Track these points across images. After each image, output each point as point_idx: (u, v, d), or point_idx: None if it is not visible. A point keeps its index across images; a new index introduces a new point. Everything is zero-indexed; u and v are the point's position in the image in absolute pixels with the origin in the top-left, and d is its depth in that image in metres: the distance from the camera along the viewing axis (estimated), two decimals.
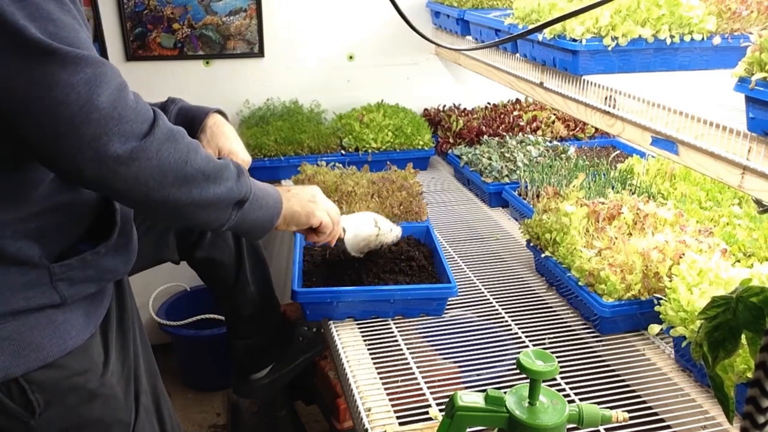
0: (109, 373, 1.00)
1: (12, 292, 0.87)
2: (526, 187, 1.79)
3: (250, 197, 0.98)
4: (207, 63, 2.16)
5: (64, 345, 0.92)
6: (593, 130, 2.30)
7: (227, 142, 1.24)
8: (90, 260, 0.94)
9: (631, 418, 0.92)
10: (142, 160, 0.82)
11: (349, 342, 1.28)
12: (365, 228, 1.38)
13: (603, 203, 1.47)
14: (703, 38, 1.28)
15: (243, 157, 1.24)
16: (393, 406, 1.09)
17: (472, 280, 1.51)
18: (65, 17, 0.77)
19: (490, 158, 1.98)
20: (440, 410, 1.07)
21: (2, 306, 0.87)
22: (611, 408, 0.87)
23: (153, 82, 2.12)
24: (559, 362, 0.81)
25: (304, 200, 1.14)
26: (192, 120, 1.24)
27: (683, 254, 1.25)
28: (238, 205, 0.97)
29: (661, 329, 1.19)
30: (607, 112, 1.23)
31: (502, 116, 2.32)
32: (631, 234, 1.38)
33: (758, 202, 1.56)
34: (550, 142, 2.15)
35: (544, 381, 0.81)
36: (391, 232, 1.42)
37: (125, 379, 1.05)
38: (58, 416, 0.94)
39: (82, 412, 0.97)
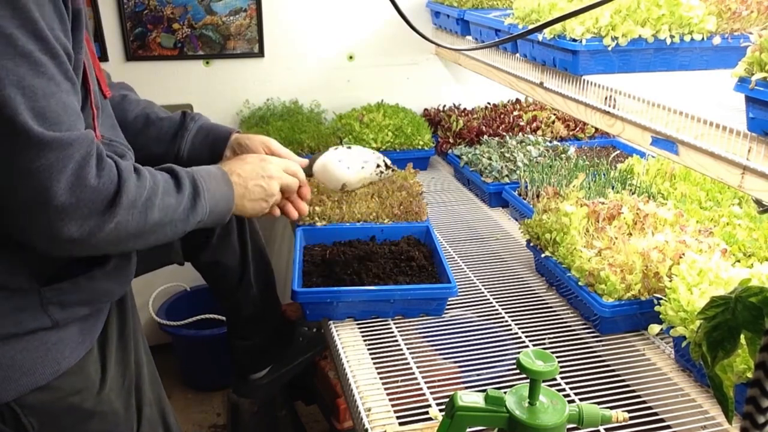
0: (106, 389, 0.98)
1: (5, 319, 0.85)
2: (526, 187, 1.79)
3: (206, 215, 1.00)
4: (207, 63, 2.16)
5: (57, 366, 0.90)
6: (593, 130, 2.30)
7: (268, 142, 1.26)
8: (83, 284, 0.93)
9: (631, 418, 0.92)
10: (99, 236, 0.82)
11: (349, 342, 1.28)
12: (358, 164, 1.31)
13: (603, 203, 1.47)
14: (703, 38, 1.28)
15: (298, 159, 1.26)
16: (393, 406, 1.09)
17: (472, 280, 1.51)
18: (39, 81, 0.74)
19: (490, 158, 1.98)
20: (440, 410, 1.07)
21: None
22: (611, 408, 0.87)
23: (153, 82, 2.12)
24: (559, 362, 0.80)
25: (255, 198, 1.12)
26: (214, 141, 1.26)
27: (683, 254, 1.25)
28: (195, 223, 0.99)
29: (661, 329, 1.19)
30: (607, 112, 1.23)
31: (502, 116, 2.32)
32: (631, 234, 1.38)
33: (758, 202, 1.56)
34: (550, 142, 2.15)
35: (544, 381, 0.81)
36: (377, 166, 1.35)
37: (126, 392, 1.04)
38: None
39: (78, 430, 0.95)
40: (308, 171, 1.28)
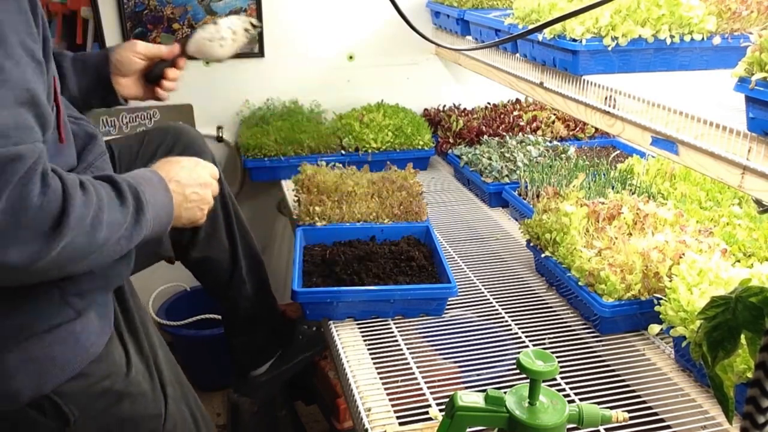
0: (132, 372, 1.02)
1: (31, 317, 0.88)
2: (526, 187, 1.79)
3: (149, 233, 0.94)
4: (207, 63, 2.16)
5: (86, 354, 0.94)
6: (593, 130, 2.30)
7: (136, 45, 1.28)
8: (96, 271, 0.94)
9: (631, 418, 0.92)
10: (44, 261, 0.76)
11: (349, 342, 1.28)
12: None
13: (603, 203, 1.47)
14: (703, 38, 1.28)
15: (163, 51, 1.29)
16: (393, 406, 1.09)
17: (472, 280, 1.51)
18: None
19: (490, 158, 1.98)
20: (440, 410, 1.07)
21: (23, 331, 0.88)
22: (611, 408, 0.87)
23: None
24: (559, 362, 0.80)
25: (192, 207, 1.06)
26: (95, 66, 1.25)
27: (683, 254, 1.25)
28: (135, 241, 0.93)
29: (661, 329, 1.19)
30: (607, 112, 1.23)
31: (502, 116, 2.32)
32: (631, 234, 1.38)
33: (758, 202, 1.56)
34: (550, 142, 2.15)
35: (544, 381, 0.81)
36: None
37: (149, 374, 1.07)
38: (91, 421, 0.97)
39: (113, 413, 0.99)
40: (183, 52, 1.33)
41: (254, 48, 2.17)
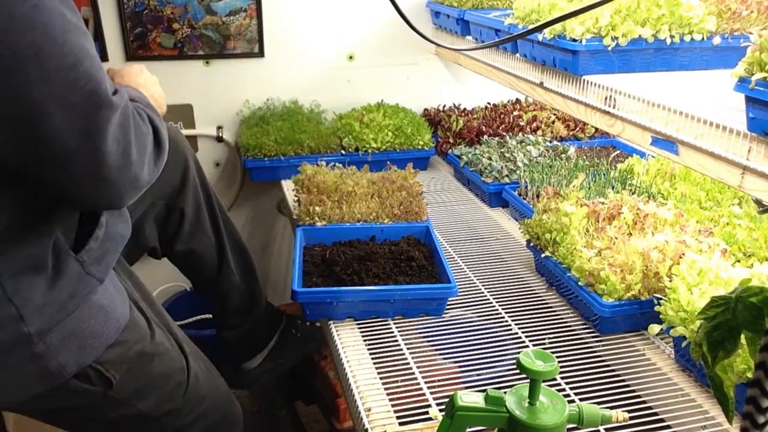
0: (156, 334, 1.14)
1: (59, 296, 0.95)
2: (526, 187, 1.79)
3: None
4: (207, 63, 2.16)
5: (117, 324, 1.04)
6: (593, 130, 2.30)
7: None
8: (100, 235, 1.02)
9: (631, 418, 0.92)
10: (158, 171, 0.96)
11: (349, 342, 1.28)
12: None
13: (603, 203, 1.47)
14: (703, 38, 1.28)
15: None
16: (393, 406, 1.09)
17: (472, 280, 1.51)
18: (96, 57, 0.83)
19: (490, 158, 1.98)
20: (440, 410, 1.07)
21: (58, 313, 0.95)
22: (611, 408, 0.87)
23: None
24: (559, 362, 0.81)
25: (159, 105, 1.20)
26: None
27: (683, 254, 1.25)
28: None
29: (661, 329, 1.19)
30: (607, 112, 1.23)
31: (502, 116, 2.32)
32: (631, 234, 1.38)
33: (758, 202, 1.56)
34: (550, 142, 2.14)
35: (544, 381, 0.81)
36: None
37: (166, 336, 1.19)
38: (130, 381, 1.08)
39: (147, 371, 1.11)
40: None
41: (254, 48, 2.17)
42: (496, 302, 1.41)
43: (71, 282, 0.96)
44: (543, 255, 1.44)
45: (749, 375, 0.95)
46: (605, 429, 1.02)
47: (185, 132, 2.20)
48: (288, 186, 1.99)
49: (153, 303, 1.23)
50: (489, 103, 2.46)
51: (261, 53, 2.19)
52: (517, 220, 1.79)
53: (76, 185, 0.84)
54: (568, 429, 0.84)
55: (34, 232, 0.92)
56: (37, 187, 0.91)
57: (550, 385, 1.08)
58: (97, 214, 1.03)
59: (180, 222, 1.46)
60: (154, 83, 1.21)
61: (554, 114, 2.32)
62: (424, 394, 1.12)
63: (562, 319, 1.36)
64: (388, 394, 1.12)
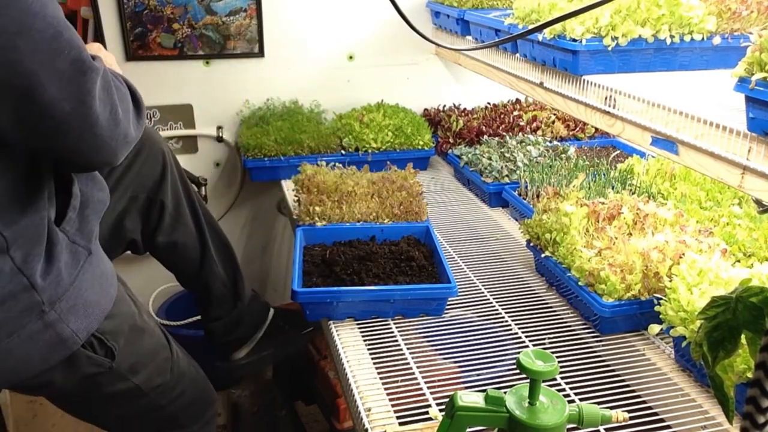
0: (143, 313, 1.22)
1: (60, 265, 0.99)
2: (526, 187, 1.79)
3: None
4: (207, 63, 2.16)
5: (111, 294, 1.10)
6: (593, 130, 2.30)
7: None
8: (78, 205, 1.05)
9: (631, 418, 0.92)
10: (143, 126, 1.03)
11: (349, 342, 1.28)
12: None
13: (603, 203, 1.47)
14: (703, 38, 1.28)
15: None
16: (393, 406, 1.09)
17: (472, 280, 1.51)
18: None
19: (490, 158, 1.98)
20: (440, 410, 1.07)
21: (64, 282, 1.00)
22: (611, 408, 0.87)
23: (153, 82, 2.12)
24: (559, 362, 0.81)
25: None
26: None
27: (683, 254, 1.25)
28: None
29: (661, 329, 1.19)
30: (607, 112, 1.23)
31: (502, 116, 2.32)
32: (631, 234, 1.38)
33: (758, 202, 1.56)
34: (550, 142, 2.14)
35: (544, 381, 0.81)
36: None
37: (148, 315, 1.26)
38: (127, 354, 1.14)
39: (139, 345, 1.18)
40: None
41: (254, 48, 2.17)
42: (496, 302, 1.41)
43: (63, 252, 1.00)
44: (543, 255, 1.44)
45: (749, 375, 0.95)
46: (605, 429, 1.02)
47: (185, 132, 2.21)
48: (288, 186, 1.99)
49: (129, 289, 1.28)
50: (489, 103, 2.46)
51: (261, 53, 2.18)
52: (517, 220, 1.79)
53: (76, 147, 0.91)
54: (568, 429, 0.84)
55: (32, 204, 0.95)
56: (35, 157, 0.95)
57: (550, 385, 1.08)
58: (70, 184, 1.05)
59: (161, 214, 1.49)
60: (111, 60, 1.26)
61: (554, 114, 2.32)
62: (424, 394, 1.12)
63: (562, 319, 1.36)
64: (388, 394, 1.12)
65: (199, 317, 2.26)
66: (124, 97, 0.97)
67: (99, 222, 1.12)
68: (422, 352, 1.25)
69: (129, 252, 1.53)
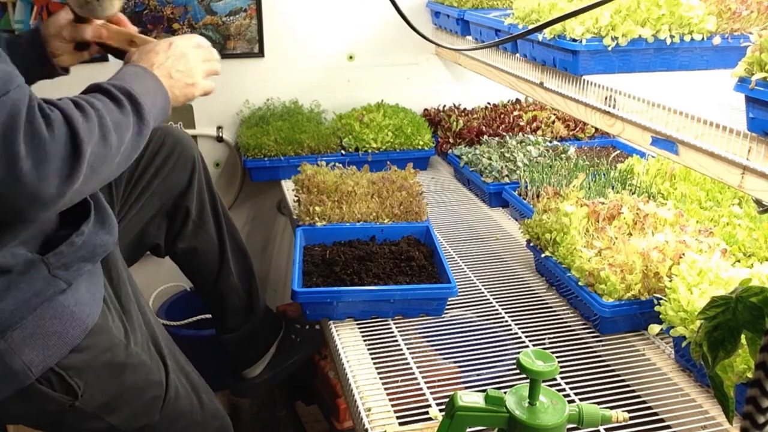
0: (132, 344, 1.08)
1: (22, 294, 0.92)
2: (526, 187, 1.79)
3: (151, 122, 0.99)
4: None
5: (83, 325, 0.98)
6: (593, 130, 2.30)
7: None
8: (77, 242, 0.97)
9: (631, 418, 0.92)
10: (77, 179, 0.84)
11: (349, 342, 1.28)
12: None
13: (603, 203, 1.47)
14: (703, 38, 1.28)
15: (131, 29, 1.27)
16: (393, 406, 1.09)
17: (472, 280, 1.51)
18: None
19: (490, 158, 1.98)
20: (440, 410, 1.07)
21: (19, 309, 0.91)
22: (611, 408, 0.87)
23: None
24: (559, 362, 0.81)
25: (182, 85, 1.11)
26: (28, 43, 1.24)
27: (683, 254, 1.25)
28: (146, 129, 0.99)
29: (661, 329, 1.19)
30: (607, 112, 1.23)
31: (502, 116, 2.32)
32: (631, 234, 1.38)
33: (758, 202, 1.56)
34: (550, 142, 2.14)
35: (544, 381, 0.81)
36: None
37: (147, 347, 1.14)
38: (98, 392, 1.02)
39: (117, 383, 1.05)
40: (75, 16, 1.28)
41: (254, 48, 2.17)
42: (496, 302, 1.41)
43: (35, 281, 0.93)
44: (543, 255, 1.44)
45: (749, 375, 0.95)
46: (605, 429, 1.02)
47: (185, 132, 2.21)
48: (288, 186, 1.99)
49: (143, 308, 1.20)
50: (489, 103, 2.46)
51: (261, 53, 2.19)
52: (517, 220, 1.79)
53: None
54: (568, 429, 0.84)
55: (7, 228, 0.90)
56: None
57: (550, 385, 1.08)
58: (79, 221, 1.00)
59: (184, 220, 1.47)
60: (180, 59, 1.12)
61: (554, 114, 2.32)
62: (424, 394, 1.12)
63: (562, 319, 1.36)
64: (388, 394, 1.12)
65: (199, 317, 2.28)
66: (43, 143, 0.81)
67: (95, 270, 1.04)
68: (422, 352, 1.25)
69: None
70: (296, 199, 1.70)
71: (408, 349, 1.25)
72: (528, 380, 0.82)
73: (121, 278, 1.15)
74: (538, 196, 1.69)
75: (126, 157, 0.95)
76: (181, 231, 1.48)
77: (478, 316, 1.37)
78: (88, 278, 1.02)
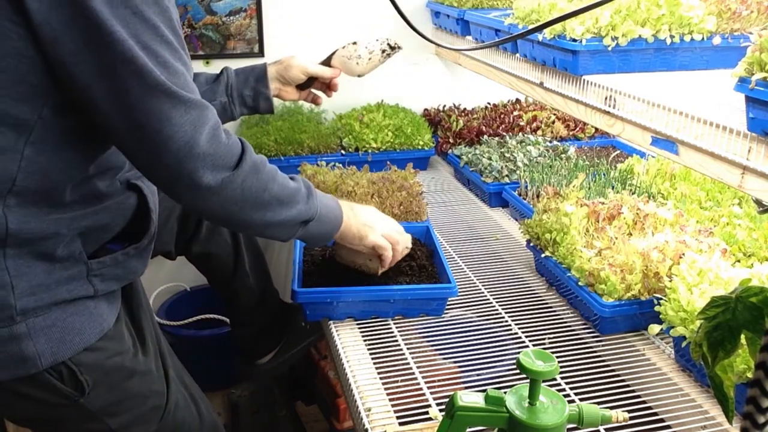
0: (140, 353, 1.12)
1: (57, 285, 0.95)
2: (526, 187, 1.79)
3: (316, 216, 1.09)
4: (207, 63, 2.16)
5: (100, 328, 1.02)
6: (593, 130, 2.30)
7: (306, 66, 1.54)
8: (120, 260, 1.04)
9: (631, 418, 0.92)
10: (228, 190, 0.95)
11: (349, 342, 1.28)
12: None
13: (603, 203, 1.47)
14: (703, 38, 1.28)
15: (327, 74, 1.55)
16: (393, 406, 1.09)
17: (472, 280, 1.51)
18: (178, 64, 0.89)
19: (490, 158, 1.98)
20: (440, 410, 1.07)
21: (48, 298, 0.95)
22: (611, 408, 0.87)
23: None
24: (559, 362, 0.81)
25: (360, 222, 1.21)
26: (251, 75, 1.47)
27: (683, 254, 1.25)
28: (304, 223, 1.08)
29: (661, 329, 1.19)
30: (607, 112, 1.23)
31: (502, 116, 2.32)
32: (631, 234, 1.38)
33: (758, 202, 1.56)
34: (550, 142, 2.15)
35: (544, 381, 0.81)
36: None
37: (154, 358, 1.17)
38: (104, 393, 1.05)
39: (123, 387, 1.08)
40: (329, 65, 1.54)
41: (254, 48, 2.17)
42: (496, 302, 1.41)
43: (71, 279, 0.97)
44: (543, 255, 1.43)
45: (749, 375, 0.95)
46: (605, 429, 1.02)
47: None
48: None
49: (153, 322, 1.22)
50: (489, 103, 2.46)
51: (261, 53, 2.18)
52: (517, 220, 1.79)
53: (143, 157, 0.92)
54: (568, 429, 0.84)
55: (57, 223, 0.93)
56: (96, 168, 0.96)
57: (550, 385, 1.08)
58: (131, 241, 1.05)
59: (198, 225, 1.47)
60: (372, 215, 1.26)
61: (554, 114, 2.32)
62: (424, 394, 1.12)
63: (562, 319, 1.36)
64: (388, 394, 1.12)
65: (199, 317, 2.28)
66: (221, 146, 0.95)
67: (117, 291, 1.08)
68: (422, 352, 1.25)
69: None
70: None
71: (408, 349, 1.25)
72: (528, 380, 0.82)
73: (134, 287, 1.17)
74: (538, 196, 1.69)
75: (282, 217, 1.03)
76: (195, 235, 1.47)
77: (478, 316, 1.37)
78: (109, 297, 1.06)
